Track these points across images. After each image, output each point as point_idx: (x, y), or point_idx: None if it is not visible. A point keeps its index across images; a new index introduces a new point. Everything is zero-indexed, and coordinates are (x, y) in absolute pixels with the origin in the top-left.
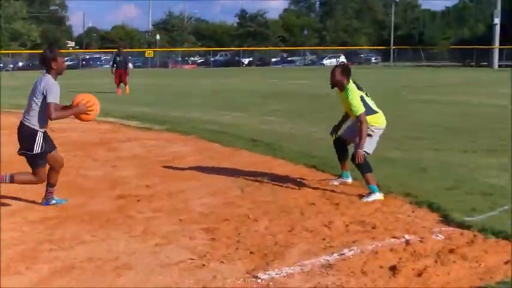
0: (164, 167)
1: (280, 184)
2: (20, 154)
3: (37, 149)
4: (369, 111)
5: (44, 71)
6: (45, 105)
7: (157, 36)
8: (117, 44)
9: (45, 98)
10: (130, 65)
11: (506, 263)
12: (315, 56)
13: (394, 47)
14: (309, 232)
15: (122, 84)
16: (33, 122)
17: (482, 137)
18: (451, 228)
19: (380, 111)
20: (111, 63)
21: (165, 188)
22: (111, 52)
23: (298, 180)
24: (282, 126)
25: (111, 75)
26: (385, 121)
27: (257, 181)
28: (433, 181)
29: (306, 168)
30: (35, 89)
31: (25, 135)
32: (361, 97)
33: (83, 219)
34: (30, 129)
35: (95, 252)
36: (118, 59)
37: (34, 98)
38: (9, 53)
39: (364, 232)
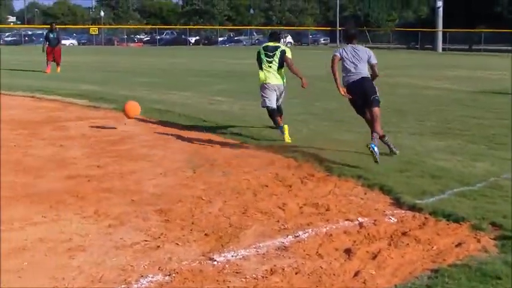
0: (114, 147)
1: (231, 164)
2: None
3: None
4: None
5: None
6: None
7: (102, 13)
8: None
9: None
10: (71, 42)
11: (457, 245)
12: (261, 35)
13: (340, 28)
14: (263, 214)
15: (53, 63)
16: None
17: (430, 119)
18: (403, 211)
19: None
20: (42, 39)
21: (116, 169)
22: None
23: (249, 160)
24: (231, 106)
25: (43, 53)
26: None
27: (208, 162)
28: (383, 163)
29: (257, 150)
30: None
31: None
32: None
33: (32, 200)
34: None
35: (46, 233)
36: (51, 35)
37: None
38: None
39: (318, 214)
